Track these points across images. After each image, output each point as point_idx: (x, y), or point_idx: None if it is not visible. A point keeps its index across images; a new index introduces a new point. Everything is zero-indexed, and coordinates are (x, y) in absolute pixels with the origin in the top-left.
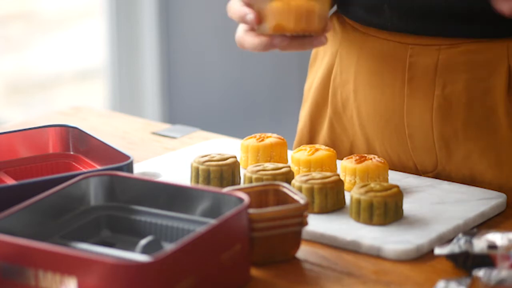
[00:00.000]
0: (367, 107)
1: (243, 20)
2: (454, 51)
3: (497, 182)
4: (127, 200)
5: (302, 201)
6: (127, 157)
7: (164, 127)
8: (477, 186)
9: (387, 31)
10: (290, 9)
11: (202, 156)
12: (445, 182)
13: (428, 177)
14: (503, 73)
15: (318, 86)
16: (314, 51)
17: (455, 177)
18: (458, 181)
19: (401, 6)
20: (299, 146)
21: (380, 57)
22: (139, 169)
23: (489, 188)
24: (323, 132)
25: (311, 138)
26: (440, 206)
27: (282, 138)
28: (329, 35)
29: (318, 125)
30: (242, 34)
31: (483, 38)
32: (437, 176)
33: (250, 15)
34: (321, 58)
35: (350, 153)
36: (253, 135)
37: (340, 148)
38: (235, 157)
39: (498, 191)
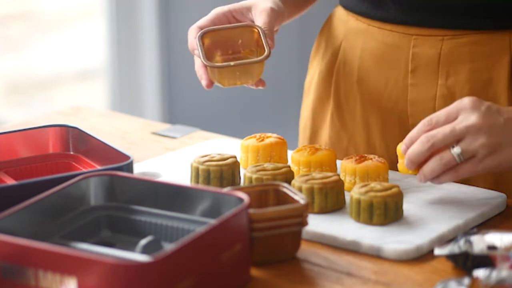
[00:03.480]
0: (371, 97)
1: (192, 52)
2: (456, 42)
3: (497, 179)
4: (127, 200)
5: (302, 201)
6: (127, 157)
7: (164, 127)
8: (476, 183)
9: (391, 23)
10: (221, 72)
11: (202, 156)
12: None
13: None
14: (505, 64)
15: (321, 81)
16: (314, 46)
17: None
18: None
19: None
20: (303, 142)
21: (383, 48)
22: (139, 169)
23: (488, 184)
24: (326, 127)
25: (314, 134)
26: (440, 206)
27: (282, 138)
28: (331, 30)
29: (321, 121)
30: None
31: (485, 30)
32: None
33: (197, 51)
34: (322, 54)
35: (347, 149)
36: (253, 135)
37: (336, 145)
38: (235, 157)
39: (498, 188)
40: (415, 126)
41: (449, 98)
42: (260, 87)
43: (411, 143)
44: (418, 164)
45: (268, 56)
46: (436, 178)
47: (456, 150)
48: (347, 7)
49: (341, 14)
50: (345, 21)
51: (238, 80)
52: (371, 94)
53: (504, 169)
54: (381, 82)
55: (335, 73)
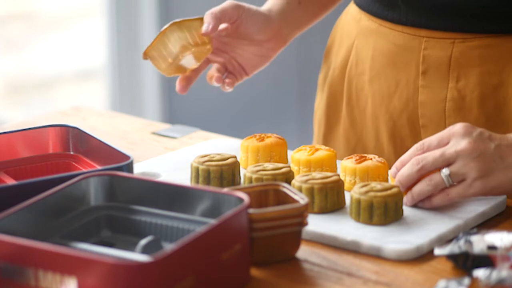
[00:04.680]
0: (382, 98)
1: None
2: (467, 45)
3: None
4: (127, 200)
5: (302, 201)
6: (127, 157)
7: (164, 127)
8: None
9: (402, 25)
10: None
11: (202, 156)
12: None
13: None
14: None
15: (335, 78)
16: (329, 42)
17: None
18: None
19: (415, 2)
20: (317, 139)
21: (394, 48)
22: (139, 169)
23: None
24: (340, 125)
25: (329, 131)
26: (440, 206)
27: (282, 138)
28: (345, 27)
29: (335, 119)
30: None
31: (495, 34)
32: None
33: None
34: (336, 51)
35: (355, 149)
36: (253, 135)
37: (345, 144)
38: (235, 157)
39: None
40: (425, 127)
41: (459, 101)
42: (228, 88)
43: (402, 166)
44: (407, 187)
45: (168, 28)
46: (428, 200)
47: (445, 171)
48: (360, 6)
49: (354, 12)
50: (358, 19)
51: (166, 56)
52: (382, 94)
53: (497, 194)
54: (392, 82)
55: (348, 72)
